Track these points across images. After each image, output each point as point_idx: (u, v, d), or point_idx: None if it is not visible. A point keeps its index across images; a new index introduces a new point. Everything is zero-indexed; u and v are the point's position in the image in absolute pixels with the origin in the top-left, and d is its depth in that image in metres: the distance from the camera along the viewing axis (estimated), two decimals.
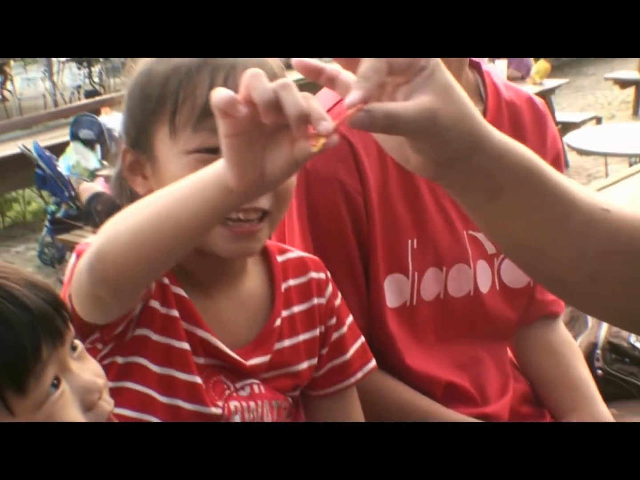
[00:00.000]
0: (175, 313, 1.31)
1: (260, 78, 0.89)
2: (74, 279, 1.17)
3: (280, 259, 1.44)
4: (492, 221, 1.04)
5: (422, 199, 1.65)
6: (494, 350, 1.80)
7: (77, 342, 1.09)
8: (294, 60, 0.91)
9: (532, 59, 8.96)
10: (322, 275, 1.47)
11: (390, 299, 1.65)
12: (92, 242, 1.11)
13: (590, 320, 2.64)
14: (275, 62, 1.29)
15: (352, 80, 0.90)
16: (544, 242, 1.04)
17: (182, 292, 1.32)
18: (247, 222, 1.25)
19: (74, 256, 1.22)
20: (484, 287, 1.73)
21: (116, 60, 17.60)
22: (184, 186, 1.01)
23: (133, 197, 1.33)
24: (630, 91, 11.25)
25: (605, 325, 2.50)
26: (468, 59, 1.66)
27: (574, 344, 1.93)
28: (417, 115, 0.89)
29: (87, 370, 1.08)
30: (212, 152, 1.20)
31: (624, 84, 10.90)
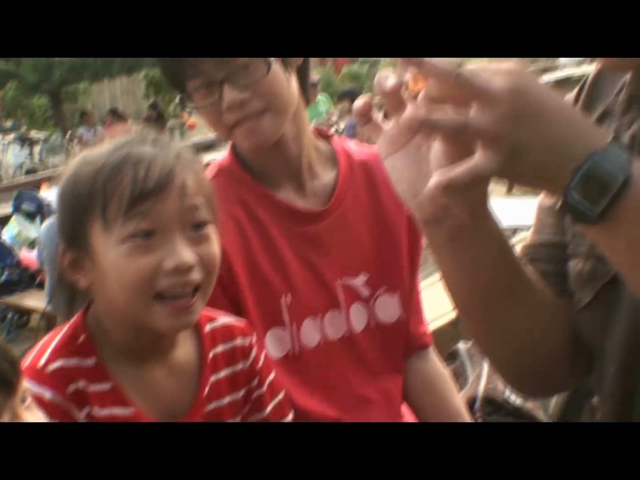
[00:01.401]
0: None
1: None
2: None
3: (208, 327, 1.51)
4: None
5: (284, 257, 1.77)
6: (383, 388, 1.89)
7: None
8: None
9: None
10: (246, 341, 1.54)
11: (273, 351, 1.74)
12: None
13: (471, 376, 2.81)
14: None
15: None
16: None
17: (97, 388, 1.36)
18: (182, 298, 1.33)
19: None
20: (359, 327, 1.83)
21: (55, 142, 19.81)
22: None
23: (73, 290, 1.43)
24: None
25: (483, 381, 2.69)
26: (308, 129, 1.82)
27: (447, 374, 2.05)
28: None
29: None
30: (146, 236, 1.30)
31: None
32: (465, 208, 1.02)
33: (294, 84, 1.74)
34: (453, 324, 3.33)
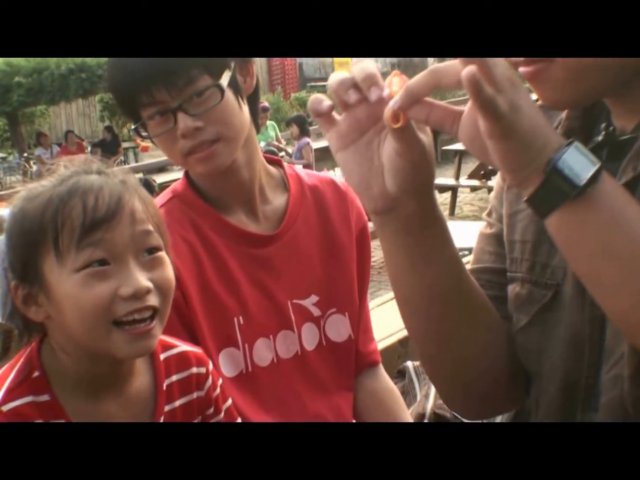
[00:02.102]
0: None
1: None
2: None
3: (163, 356, 1.50)
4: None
5: (237, 280, 1.81)
6: (334, 405, 1.93)
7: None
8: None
9: None
10: (202, 370, 1.54)
11: (226, 370, 1.78)
12: None
13: (419, 393, 2.85)
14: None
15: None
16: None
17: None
18: (141, 323, 1.32)
19: None
20: (310, 345, 1.89)
21: (12, 162, 20.59)
22: None
23: (27, 322, 1.41)
24: (448, 194, 12.41)
25: (431, 399, 2.73)
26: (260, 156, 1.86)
27: (395, 391, 2.09)
28: None
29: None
30: (101, 264, 1.30)
31: (441, 189, 12.03)
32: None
33: (245, 110, 1.78)
34: (401, 342, 3.36)
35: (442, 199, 12.42)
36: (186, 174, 1.89)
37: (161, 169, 15.38)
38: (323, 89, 22.13)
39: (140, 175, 12.03)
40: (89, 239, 1.30)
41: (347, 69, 1.12)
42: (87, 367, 1.38)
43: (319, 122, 1.15)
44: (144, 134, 1.75)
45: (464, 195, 13.20)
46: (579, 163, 1.00)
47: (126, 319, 1.31)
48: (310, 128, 13.05)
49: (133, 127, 1.76)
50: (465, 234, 6.92)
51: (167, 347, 1.51)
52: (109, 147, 18.21)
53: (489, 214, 1.41)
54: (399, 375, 2.82)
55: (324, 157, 12.77)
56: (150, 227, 1.36)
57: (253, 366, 1.82)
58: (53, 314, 1.35)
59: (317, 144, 13.26)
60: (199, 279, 1.78)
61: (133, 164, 16.36)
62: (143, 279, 1.31)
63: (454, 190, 12.23)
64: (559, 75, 1.09)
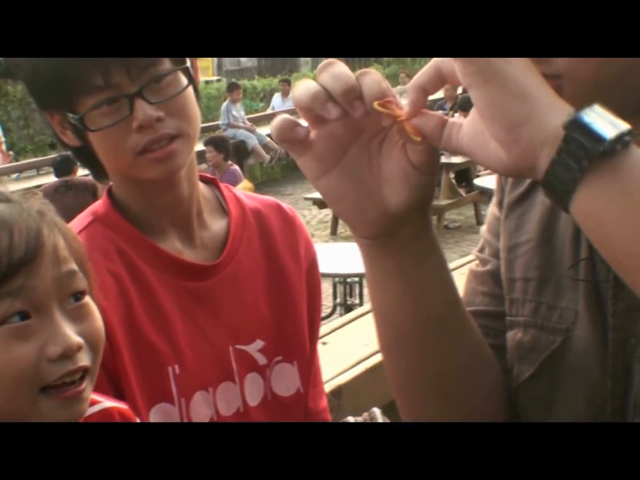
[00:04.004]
0: None
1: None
2: None
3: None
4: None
5: (171, 320, 1.58)
6: None
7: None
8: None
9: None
10: None
11: None
12: None
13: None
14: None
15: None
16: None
17: None
18: (71, 385, 1.14)
19: None
20: (254, 400, 1.67)
21: None
22: None
23: None
24: (329, 211, 11.85)
25: None
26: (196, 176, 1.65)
27: None
28: None
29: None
30: (21, 318, 1.09)
31: (322, 204, 11.36)
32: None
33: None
34: (334, 394, 3.11)
35: (322, 216, 12.17)
36: (108, 192, 1.61)
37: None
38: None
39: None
40: (5, 288, 1.09)
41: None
42: None
43: (289, 149, 1.02)
44: (81, 127, 1.48)
45: None
46: (606, 120, 0.86)
47: (52, 383, 1.12)
48: None
49: (72, 118, 1.49)
50: (350, 257, 6.77)
51: (92, 402, 1.32)
52: None
53: (481, 250, 1.31)
54: None
55: None
56: (75, 267, 1.17)
57: None
58: None
59: None
60: (127, 319, 1.53)
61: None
62: (72, 334, 1.12)
63: None
64: (572, 92, 0.98)
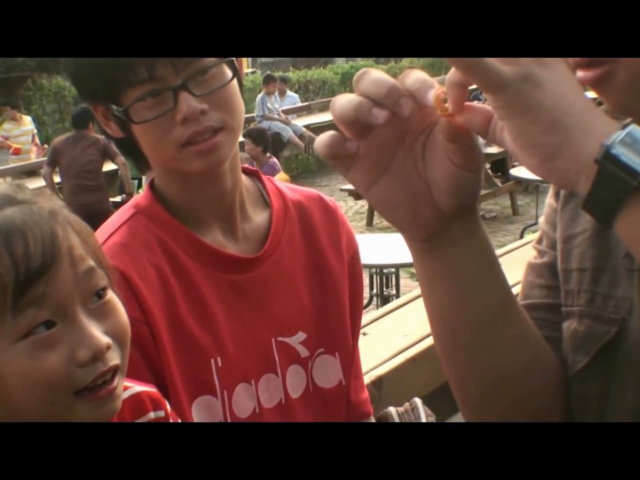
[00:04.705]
0: None
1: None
2: None
3: None
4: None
5: (214, 313, 1.57)
6: None
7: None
8: None
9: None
10: (161, 414, 1.33)
11: None
12: None
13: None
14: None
15: None
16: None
17: None
18: (103, 385, 1.13)
19: None
20: (296, 392, 1.66)
21: None
22: None
23: None
24: (365, 202, 11.85)
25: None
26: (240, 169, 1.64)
27: None
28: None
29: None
30: (47, 327, 1.07)
31: (358, 195, 11.32)
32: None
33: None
34: (375, 384, 3.09)
35: (358, 207, 12.13)
36: (150, 185, 1.61)
37: (31, 172, 14.45)
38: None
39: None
40: (27, 298, 1.05)
41: None
42: None
43: (336, 165, 1.01)
44: (124, 119, 1.48)
45: None
46: (636, 153, 0.84)
47: (88, 386, 1.10)
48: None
49: (116, 110, 1.48)
50: (386, 248, 6.74)
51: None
52: None
53: (539, 242, 1.28)
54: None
55: None
56: (93, 264, 1.13)
57: (233, 418, 1.56)
58: None
59: None
60: (169, 311, 1.52)
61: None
62: (99, 335, 1.10)
63: None
64: (624, 77, 0.97)
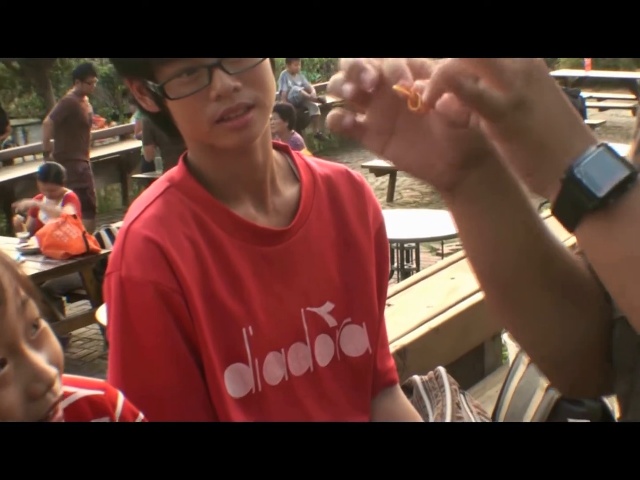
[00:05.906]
0: None
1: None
2: None
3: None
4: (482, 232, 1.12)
5: (245, 284, 1.61)
6: None
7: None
8: None
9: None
10: (104, 420, 1.27)
11: (234, 390, 1.59)
12: None
13: (431, 411, 2.62)
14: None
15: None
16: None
17: None
18: (50, 412, 1.11)
19: None
20: (324, 361, 1.70)
21: None
22: None
23: None
24: (385, 178, 11.93)
25: (448, 416, 2.50)
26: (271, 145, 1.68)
27: (414, 413, 1.93)
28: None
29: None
30: (1, 366, 1.05)
31: (379, 171, 11.42)
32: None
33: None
34: (399, 354, 3.14)
35: (379, 183, 12.16)
36: (184, 159, 1.65)
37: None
38: None
39: None
40: None
41: None
42: None
43: (349, 136, 1.07)
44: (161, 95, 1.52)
45: (402, 179, 12.36)
46: (603, 170, 0.91)
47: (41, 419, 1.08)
48: None
49: (153, 86, 1.53)
50: (406, 223, 6.81)
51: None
52: None
53: None
54: (406, 391, 2.59)
55: None
56: (24, 294, 1.08)
57: (263, 385, 1.61)
58: None
59: None
60: (203, 283, 1.56)
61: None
62: (47, 366, 1.08)
63: (392, 173, 11.59)
64: None
